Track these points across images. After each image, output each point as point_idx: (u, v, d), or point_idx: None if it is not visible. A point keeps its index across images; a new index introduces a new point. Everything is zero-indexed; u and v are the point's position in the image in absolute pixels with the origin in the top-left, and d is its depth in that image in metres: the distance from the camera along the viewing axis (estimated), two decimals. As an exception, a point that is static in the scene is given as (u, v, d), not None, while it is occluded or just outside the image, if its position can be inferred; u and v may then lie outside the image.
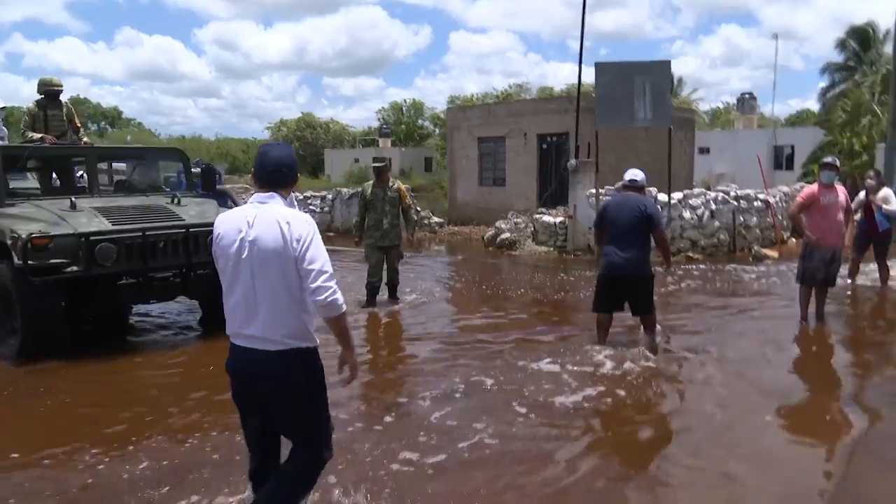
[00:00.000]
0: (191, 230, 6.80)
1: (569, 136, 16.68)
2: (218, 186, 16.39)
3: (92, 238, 6.26)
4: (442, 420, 4.80)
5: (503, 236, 14.74)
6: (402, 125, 65.69)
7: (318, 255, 2.74)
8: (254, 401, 2.93)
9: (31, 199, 7.21)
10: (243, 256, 2.78)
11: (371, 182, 8.43)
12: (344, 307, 2.79)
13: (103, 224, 6.51)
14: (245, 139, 76.15)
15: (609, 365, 5.99)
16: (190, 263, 6.86)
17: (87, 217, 6.60)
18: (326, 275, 2.72)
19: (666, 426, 4.94)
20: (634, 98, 12.52)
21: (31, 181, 8.58)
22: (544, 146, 18.19)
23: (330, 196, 18.81)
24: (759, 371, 6.11)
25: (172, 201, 7.48)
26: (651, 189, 13.17)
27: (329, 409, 3.04)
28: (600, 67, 12.72)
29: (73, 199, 6.84)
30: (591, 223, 13.21)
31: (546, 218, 14.16)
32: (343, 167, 52.66)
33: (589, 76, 13.31)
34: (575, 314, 8.43)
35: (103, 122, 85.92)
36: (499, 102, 19.70)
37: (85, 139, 8.77)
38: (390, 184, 8.32)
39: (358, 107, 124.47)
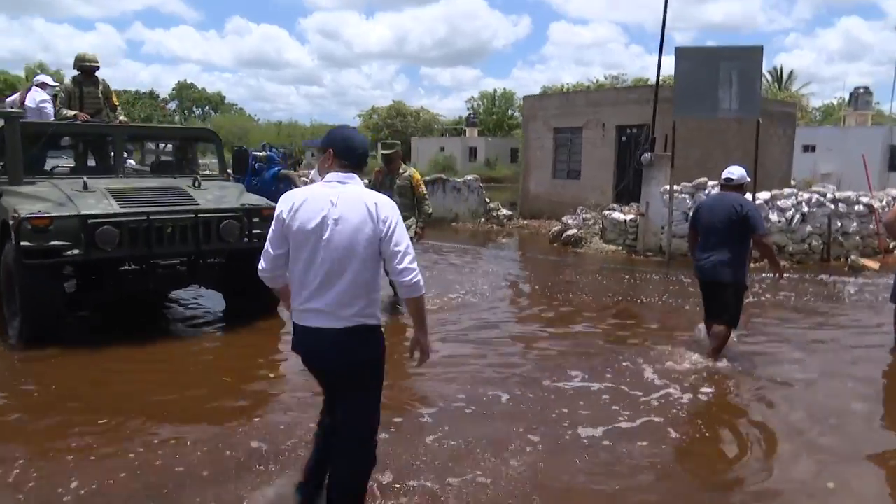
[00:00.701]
0: (200, 216, 6.39)
1: (650, 129, 15.47)
2: (281, 171, 16.35)
3: (92, 220, 5.94)
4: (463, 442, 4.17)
5: (569, 232, 13.81)
6: (493, 115, 64.94)
7: (404, 238, 2.83)
8: (321, 369, 3.02)
9: (55, 177, 7.03)
10: (325, 234, 2.80)
11: (377, 169, 7.68)
12: (423, 290, 2.88)
13: (110, 206, 6.19)
14: (339, 126, 77.40)
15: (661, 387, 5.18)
16: (199, 251, 6.45)
17: (97, 198, 6.30)
18: (411, 256, 2.82)
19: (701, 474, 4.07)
20: (719, 87, 11.29)
21: (70, 159, 8.46)
22: (623, 138, 17.03)
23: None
24: (840, 420, 4.90)
25: (193, 184, 7.11)
26: (717, 185, 11.94)
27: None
28: (681, 52, 11.55)
29: (85, 178, 6.56)
30: (664, 221, 12.17)
31: (615, 214, 13.12)
32: (429, 155, 52.51)
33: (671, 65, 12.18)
34: (632, 324, 7.51)
35: (207, 107, 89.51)
36: (577, 91, 18.53)
37: (121, 118, 8.58)
38: (401, 171, 7.55)
39: (454, 97, 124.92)
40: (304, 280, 2.88)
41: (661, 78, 13.21)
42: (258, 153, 16.80)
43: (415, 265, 2.83)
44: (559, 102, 18.89)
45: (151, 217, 6.15)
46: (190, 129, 10.71)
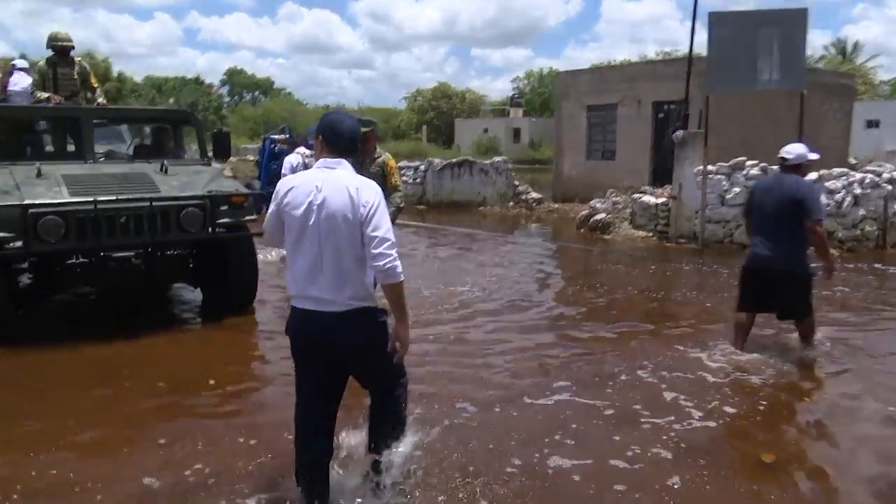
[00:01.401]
0: (156, 204, 5.85)
1: (689, 104, 14.37)
2: (380, 157, 15.82)
3: (34, 210, 5.45)
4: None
5: (597, 217, 12.90)
6: (540, 95, 63.60)
7: (383, 223, 2.81)
8: (318, 357, 2.95)
9: (18, 163, 6.59)
10: (311, 219, 2.84)
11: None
12: (402, 276, 2.82)
13: (59, 195, 5.71)
14: (387, 108, 77.27)
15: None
16: (154, 242, 5.93)
17: (47, 186, 5.83)
18: (389, 242, 2.79)
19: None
20: (758, 55, 10.22)
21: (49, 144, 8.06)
22: (661, 116, 15.93)
23: (423, 167, 17.66)
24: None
25: (161, 169, 6.59)
26: (775, 167, 10.84)
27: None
28: (716, 18, 10.47)
29: (39, 165, 6.10)
30: (698, 205, 11.18)
31: (645, 198, 12.16)
32: (472, 137, 51.64)
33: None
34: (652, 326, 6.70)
35: (257, 92, 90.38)
36: (612, 66, 17.46)
37: (100, 100, 8.13)
38: (375, 155, 6.73)
39: (506, 77, 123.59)
40: (297, 266, 2.91)
41: (698, 48, 12.13)
42: (276, 136, 16.38)
43: (392, 251, 2.79)
44: (592, 78, 17.83)
45: (100, 206, 5.63)
46: (165, 110, 10.13)
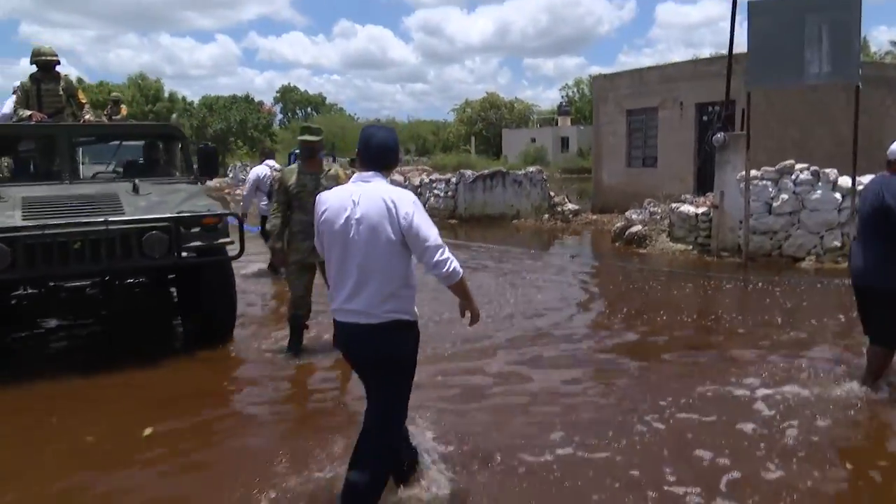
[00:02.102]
0: (113, 227, 5.33)
1: (735, 105, 13.33)
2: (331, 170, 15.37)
3: (-26, 238, 5.00)
4: None
5: (632, 229, 11.98)
6: (588, 103, 62.42)
7: (430, 231, 2.84)
8: (364, 369, 3.05)
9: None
10: (350, 234, 2.87)
11: (295, 166, 5.85)
12: (461, 273, 2.88)
13: (11, 219, 5.25)
14: (436, 121, 77.25)
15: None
16: (110, 270, 5.42)
17: (1, 210, 5.39)
18: (441, 248, 2.83)
19: None
20: (805, 46, 9.20)
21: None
22: (704, 118, 14.87)
23: (454, 179, 17.00)
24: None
25: (133, 189, 6.11)
26: (828, 171, 9.80)
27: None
28: (755, 7, 9.50)
29: (7, 187, 5.69)
30: (742, 214, 10.17)
31: (684, 207, 11.19)
32: (519, 147, 50.85)
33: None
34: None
35: (309, 109, 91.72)
36: (651, 67, 16.50)
37: (87, 116, 7.74)
38: (325, 169, 5.86)
39: (558, 86, 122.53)
40: (336, 281, 2.96)
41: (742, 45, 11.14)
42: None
43: (446, 255, 2.84)
44: (631, 81, 16.85)
45: (49, 231, 5.14)
46: (150, 125, 9.69)
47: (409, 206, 2.85)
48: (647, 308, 7.42)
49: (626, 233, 12.06)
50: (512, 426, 4.23)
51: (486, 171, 17.05)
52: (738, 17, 10.56)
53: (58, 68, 7.57)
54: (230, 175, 35.38)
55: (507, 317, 6.98)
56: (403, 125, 73.57)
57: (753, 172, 10.04)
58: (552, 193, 16.72)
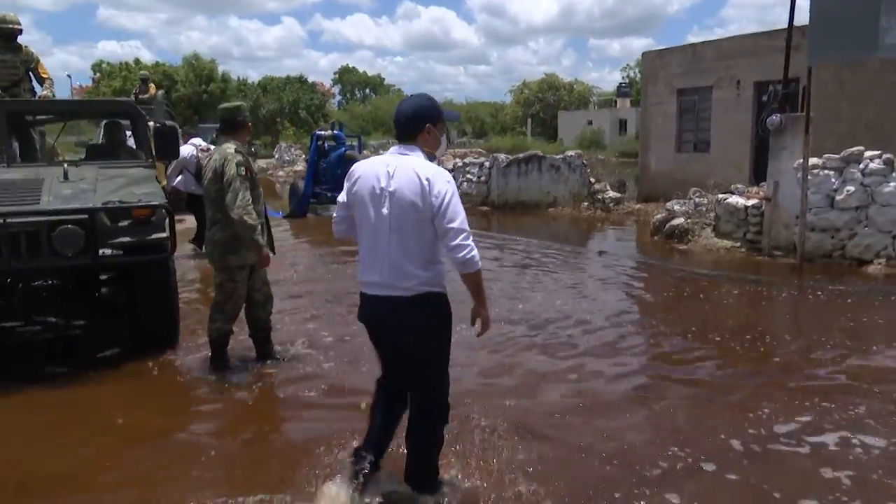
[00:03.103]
0: (13, 220, 4.53)
1: (799, 83, 11.81)
2: (347, 152, 14.51)
3: None
4: None
5: (674, 222, 10.69)
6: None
7: (458, 213, 2.77)
8: (387, 342, 3.01)
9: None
10: (383, 207, 2.82)
11: (233, 146, 4.74)
12: (479, 265, 2.81)
13: None
14: (494, 102, 75.84)
15: None
16: (10, 270, 4.63)
17: None
18: (465, 233, 2.76)
19: None
20: (881, 11, 7.74)
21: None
22: (765, 98, 13.32)
23: (487, 163, 15.88)
24: None
25: (64, 175, 5.31)
26: (878, 157, 8.34)
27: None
28: (821, -34, 8.06)
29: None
30: (798, 208, 8.78)
31: (732, 199, 9.84)
32: (575, 130, 49.09)
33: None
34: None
35: (367, 89, 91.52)
36: (705, 42, 14.94)
37: (44, 93, 7.02)
38: (228, 149, 4.72)
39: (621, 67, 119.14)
40: (366, 253, 2.92)
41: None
42: (323, 133, 15.16)
43: (469, 241, 2.76)
44: (683, 58, 15.31)
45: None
46: (100, 101, 8.85)
47: (443, 185, 2.78)
48: (682, 321, 6.27)
49: (667, 226, 10.78)
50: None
51: (520, 155, 15.85)
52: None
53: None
54: (276, 156, 35.01)
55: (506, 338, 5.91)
56: (461, 107, 72.47)
57: (814, 160, 8.65)
58: (592, 179, 15.43)
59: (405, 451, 3.06)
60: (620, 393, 4.56)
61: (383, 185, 2.81)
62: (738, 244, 9.63)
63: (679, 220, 10.64)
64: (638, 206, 14.78)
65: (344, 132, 16.01)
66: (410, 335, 2.88)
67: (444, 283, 2.90)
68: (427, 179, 2.76)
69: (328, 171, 14.33)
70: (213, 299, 4.97)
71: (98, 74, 47.10)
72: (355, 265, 4.05)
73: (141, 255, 5.04)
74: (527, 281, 7.97)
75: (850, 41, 8.05)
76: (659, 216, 11.19)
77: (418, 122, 2.89)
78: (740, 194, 10.04)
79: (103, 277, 5.61)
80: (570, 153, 15.68)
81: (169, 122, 6.52)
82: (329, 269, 8.72)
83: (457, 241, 2.73)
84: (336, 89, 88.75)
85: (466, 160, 16.94)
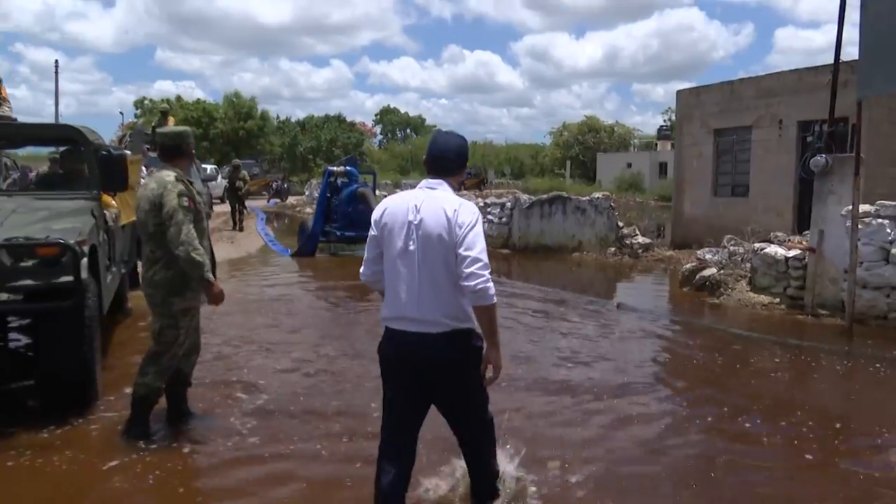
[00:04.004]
0: None
1: (847, 123, 10.73)
2: (359, 189, 13.76)
3: None
4: None
5: (705, 273, 9.61)
6: (693, 126, 58.44)
7: (476, 243, 2.72)
8: (410, 378, 2.87)
9: None
10: (410, 241, 2.79)
11: (172, 174, 4.05)
12: (494, 299, 2.73)
13: None
14: (533, 144, 75.48)
15: None
16: None
17: None
18: (481, 263, 2.69)
19: None
20: (942, 40, 6.72)
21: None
22: (809, 138, 12.22)
23: (509, 204, 15.00)
24: None
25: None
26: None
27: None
28: (871, -12, 7.08)
29: None
30: (847, 261, 7.63)
31: (771, 249, 8.73)
32: (614, 172, 48.06)
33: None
34: None
35: (408, 129, 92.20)
36: (744, 79, 13.95)
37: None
38: (167, 177, 4.04)
39: (663, 110, 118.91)
40: (395, 288, 2.84)
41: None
42: (335, 168, 14.49)
43: (485, 272, 2.68)
44: (720, 96, 14.29)
45: None
46: (42, 125, 8.06)
47: (468, 216, 2.76)
48: (710, 398, 5.22)
49: (697, 276, 9.69)
50: None
51: (544, 196, 14.95)
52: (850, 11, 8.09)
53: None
54: (306, 193, 34.75)
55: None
56: (501, 147, 72.23)
57: (865, 207, 7.55)
58: (620, 224, 14.38)
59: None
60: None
61: (411, 218, 2.79)
62: (777, 300, 8.48)
63: (711, 271, 9.55)
64: (669, 252, 13.66)
65: (360, 168, 15.37)
66: (443, 371, 2.82)
67: (473, 318, 2.81)
68: (454, 211, 2.74)
69: (339, 208, 13.63)
70: (147, 350, 4.17)
71: (139, 111, 47.99)
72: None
73: (46, 302, 4.29)
74: (530, 338, 6.98)
75: (907, 71, 7.02)
76: (688, 266, 10.11)
77: (461, 162, 2.94)
78: (780, 244, 8.94)
79: (12, 325, 4.87)
80: (596, 195, 14.70)
81: (118, 151, 5.79)
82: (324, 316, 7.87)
83: (471, 270, 2.66)
84: (378, 129, 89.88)
85: (488, 200, 16.10)
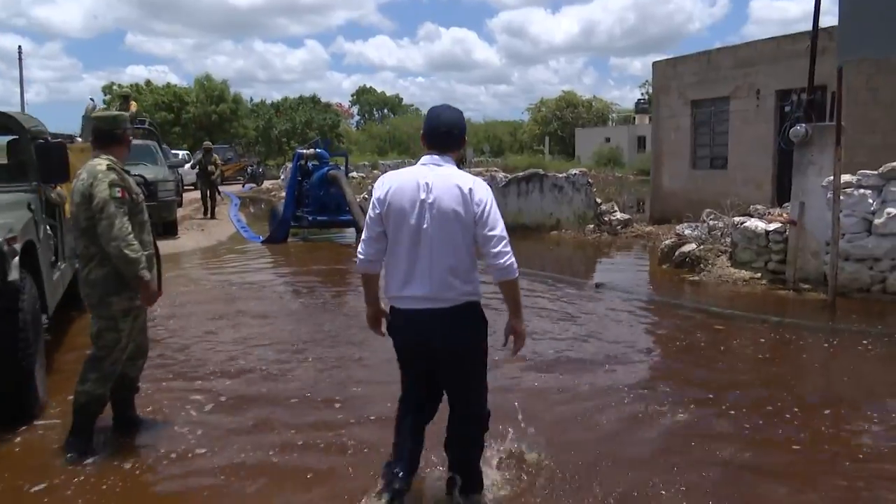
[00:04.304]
0: None
1: (826, 91, 10.51)
2: (330, 172, 13.37)
3: None
4: None
5: (684, 249, 9.39)
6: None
7: (498, 221, 2.80)
8: (423, 354, 2.94)
9: None
10: (423, 218, 2.79)
11: (104, 162, 3.70)
12: (517, 272, 2.82)
13: None
14: (513, 121, 75.02)
15: None
16: None
17: None
18: (505, 240, 2.79)
19: None
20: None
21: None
22: (787, 107, 12.01)
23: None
24: None
25: None
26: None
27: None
28: (852, -52, 6.80)
29: None
30: (829, 234, 7.44)
31: (751, 223, 8.52)
32: (592, 147, 47.86)
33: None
34: None
35: (385, 109, 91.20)
36: (721, 49, 13.68)
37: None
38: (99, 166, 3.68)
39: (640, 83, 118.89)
40: (402, 266, 2.85)
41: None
42: (304, 151, 14.07)
43: (508, 248, 2.79)
44: (697, 67, 14.02)
45: None
46: None
47: (484, 193, 2.80)
48: (693, 383, 4.99)
49: (677, 253, 9.47)
50: None
51: (520, 174, 14.64)
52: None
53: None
54: (281, 177, 34.20)
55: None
56: (479, 125, 71.82)
57: (846, 177, 7.35)
58: (598, 200, 14.13)
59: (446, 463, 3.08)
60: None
61: (423, 196, 2.78)
62: (759, 275, 8.29)
63: (690, 247, 9.33)
64: (648, 228, 13.45)
65: (332, 150, 14.98)
66: (456, 345, 2.87)
67: (480, 292, 2.91)
68: (469, 189, 2.77)
69: (311, 192, 13.23)
70: (87, 354, 3.84)
71: (108, 97, 46.84)
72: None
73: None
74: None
75: (885, 38, 6.78)
76: (667, 242, 9.89)
77: (461, 135, 2.93)
78: (760, 217, 8.73)
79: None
80: (573, 171, 14.41)
81: (54, 139, 5.40)
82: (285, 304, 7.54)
83: (499, 248, 2.75)
84: (355, 110, 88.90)
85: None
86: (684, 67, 14.36)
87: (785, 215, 8.39)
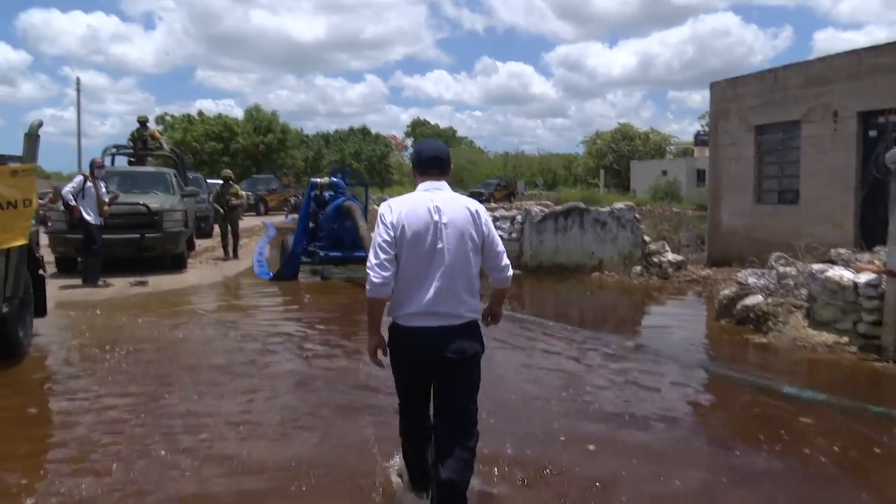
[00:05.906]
0: None
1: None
2: (346, 203, 12.03)
3: None
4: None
5: (748, 301, 7.65)
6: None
7: (499, 238, 3.15)
8: (428, 370, 3.03)
9: None
10: (439, 241, 2.94)
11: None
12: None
13: None
14: (567, 154, 73.66)
15: None
16: None
17: None
18: (505, 253, 3.13)
19: None
20: None
21: None
22: (873, 133, 10.17)
23: (519, 218, 13.15)
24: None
25: None
26: None
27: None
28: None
29: None
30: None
31: (834, 272, 6.75)
32: (649, 180, 45.80)
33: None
34: None
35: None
36: (789, 66, 11.91)
37: None
38: None
39: (700, 115, 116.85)
40: (414, 285, 2.95)
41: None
42: (318, 180, 12.81)
43: (508, 261, 3.14)
44: (762, 87, 12.20)
45: None
46: None
47: (487, 214, 3.09)
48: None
49: (739, 306, 7.74)
50: None
51: (558, 208, 13.06)
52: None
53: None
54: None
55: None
56: (534, 158, 70.67)
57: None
58: (647, 238, 12.42)
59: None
60: None
61: (436, 218, 2.94)
62: (846, 339, 6.51)
63: (756, 300, 7.59)
64: (705, 272, 11.67)
65: (350, 179, 13.76)
66: (463, 353, 2.96)
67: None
68: (476, 211, 3.03)
69: (324, 224, 11.95)
70: None
71: (162, 126, 47.49)
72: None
73: None
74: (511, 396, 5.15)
75: None
76: (727, 292, 8.13)
77: (448, 160, 3.17)
78: (846, 265, 6.96)
79: None
80: (618, 205, 12.73)
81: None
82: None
83: (505, 262, 3.11)
84: (409, 142, 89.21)
85: (497, 213, 14.28)
86: (746, 88, 12.58)
87: (878, 263, 6.61)
